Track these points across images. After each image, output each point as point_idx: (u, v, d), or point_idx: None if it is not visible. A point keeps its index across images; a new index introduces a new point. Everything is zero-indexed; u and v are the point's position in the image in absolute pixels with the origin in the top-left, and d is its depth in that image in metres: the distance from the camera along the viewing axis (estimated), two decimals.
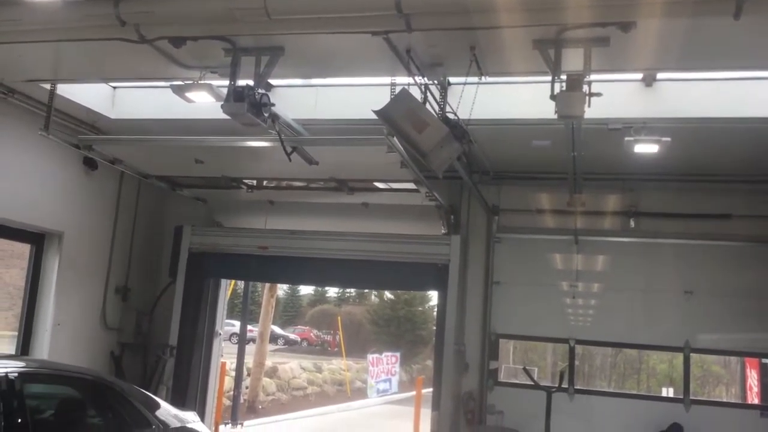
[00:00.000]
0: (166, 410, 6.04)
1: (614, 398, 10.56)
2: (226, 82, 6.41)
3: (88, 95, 9.02)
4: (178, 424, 5.98)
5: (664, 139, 7.62)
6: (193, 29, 5.90)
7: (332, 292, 48.74)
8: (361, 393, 25.21)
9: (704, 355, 12.93)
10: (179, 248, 10.86)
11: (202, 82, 6.85)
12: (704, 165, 9.08)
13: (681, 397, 9.48)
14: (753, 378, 12.60)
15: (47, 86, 8.28)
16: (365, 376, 25.44)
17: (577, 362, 10.42)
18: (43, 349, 9.45)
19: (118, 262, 10.82)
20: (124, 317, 10.91)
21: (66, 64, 7.53)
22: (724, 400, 18.94)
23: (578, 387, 9.88)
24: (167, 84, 7.45)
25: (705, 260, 9.52)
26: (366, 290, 41.72)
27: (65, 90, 8.54)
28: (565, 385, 9.20)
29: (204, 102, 7.17)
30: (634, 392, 17.64)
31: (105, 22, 5.84)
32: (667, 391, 11.87)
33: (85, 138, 9.14)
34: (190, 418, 6.33)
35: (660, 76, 7.54)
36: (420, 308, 39.90)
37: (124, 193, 10.81)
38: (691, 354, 9.53)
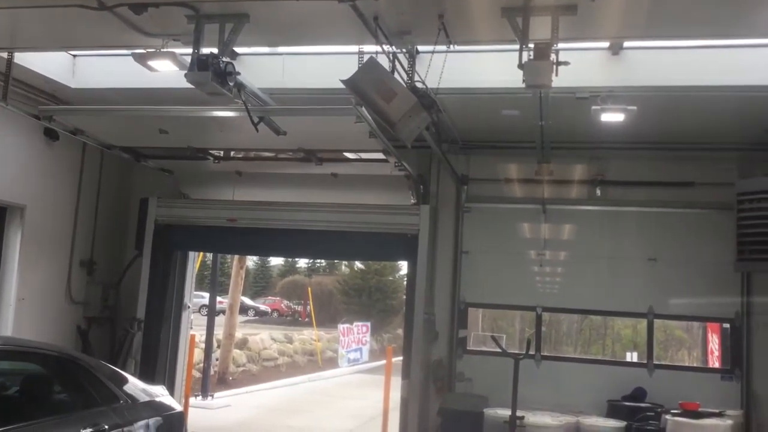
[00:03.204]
0: (134, 384, 5.98)
1: (580, 364, 10.76)
2: (190, 51, 6.27)
3: (48, 64, 8.75)
4: (147, 398, 5.94)
5: (630, 107, 7.69)
6: None
7: (302, 262, 48.81)
8: (332, 363, 25.39)
9: (667, 321, 13.21)
10: (145, 221, 10.71)
11: (164, 50, 6.70)
12: (669, 133, 9.19)
13: (645, 362, 9.70)
14: (714, 342, 12.92)
15: (4, 55, 8.01)
16: (336, 346, 25.61)
17: (544, 329, 10.57)
18: (7, 325, 9.30)
19: (83, 235, 10.65)
20: (89, 291, 10.78)
21: (24, 31, 7.30)
22: (687, 364, 19.44)
23: (545, 354, 10.05)
24: (129, 52, 7.27)
25: (668, 227, 9.69)
26: (336, 261, 41.75)
27: (23, 59, 8.27)
28: (532, 352, 9.35)
29: (167, 71, 7.01)
30: (600, 358, 17.99)
31: None
32: (632, 356, 12.10)
33: (45, 108, 8.90)
34: (159, 391, 6.29)
35: (626, 44, 7.56)
36: (390, 278, 40.15)
37: (87, 164, 10.59)
38: (655, 319, 9.73)
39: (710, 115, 8.37)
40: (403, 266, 26.36)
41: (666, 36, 6.88)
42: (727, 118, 8.42)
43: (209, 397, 15.56)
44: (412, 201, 10.28)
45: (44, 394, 5.28)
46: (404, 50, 6.83)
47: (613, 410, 9.17)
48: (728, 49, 7.44)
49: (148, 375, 9.70)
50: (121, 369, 7.17)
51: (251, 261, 42.43)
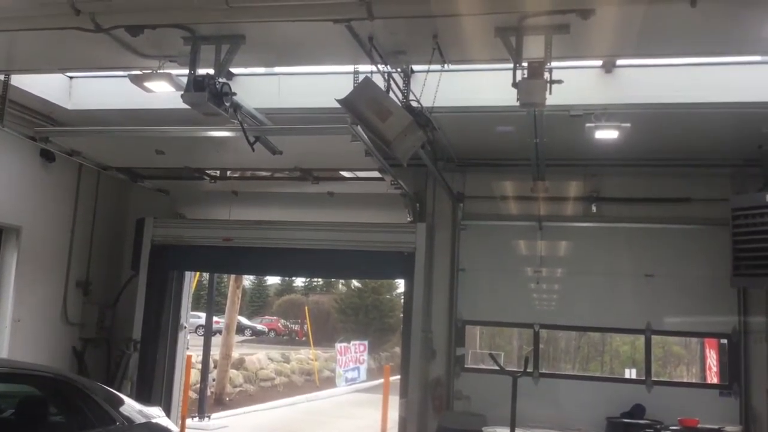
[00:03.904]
0: (131, 406, 5.95)
1: (578, 381, 10.71)
2: (186, 72, 6.31)
3: (44, 86, 8.79)
4: (143, 420, 5.90)
5: (624, 125, 7.74)
6: (151, 17, 5.80)
7: (299, 281, 48.62)
8: (329, 382, 25.24)
9: (665, 337, 13.20)
10: (141, 241, 10.71)
11: (161, 71, 6.73)
12: (663, 150, 9.23)
13: (643, 378, 9.67)
14: (712, 358, 12.90)
15: (1, 77, 8.07)
16: (333, 365, 25.45)
17: (542, 346, 10.55)
18: (3, 346, 9.24)
19: (79, 256, 10.62)
20: (85, 312, 10.73)
21: (20, 54, 7.32)
22: (685, 380, 19.39)
23: (543, 371, 10.02)
24: (125, 74, 7.31)
25: (665, 243, 9.70)
26: (333, 279, 41.66)
27: (20, 81, 8.33)
28: (530, 369, 9.32)
29: (163, 92, 7.05)
30: (598, 374, 17.95)
31: (59, 11, 5.72)
32: (630, 373, 12.10)
33: (42, 130, 8.92)
34: (155, 413, 6.25)
35: (619, 62, 7.63)
36: (387, 296, 40.05)
37: (83, 185, 10.59)
38: (652, 336, 9.72)
39: (704, 131, 8.42)
40: (400, 284, 26.34)
41: (658, 54, 6.94)
42: (720, 134, 8.46)
43: (206, 418, 15.43)
44: (409, 219, 10.29)
45: (40, 416, 5.24)
46: (399, 70, 6.88)
47: (612, 427, 9.12)
48: (721, 66, 7.52)
49: (144, 396, 9.64)
50: (118, 390, 7.12)
51: (248, 280, 42.35)
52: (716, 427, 8.52)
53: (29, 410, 5.20)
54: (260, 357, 24.40)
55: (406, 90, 6.93)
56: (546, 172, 9.39)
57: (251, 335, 38.37)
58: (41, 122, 9.31)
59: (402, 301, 11.53)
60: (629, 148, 8.82)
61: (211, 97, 6.10)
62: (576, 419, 9.36)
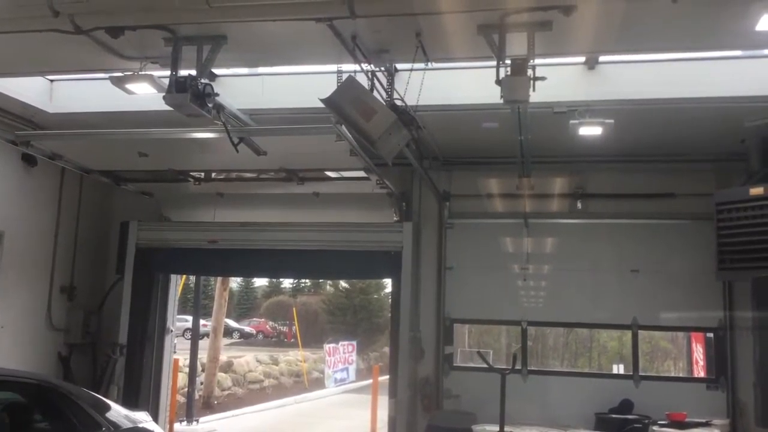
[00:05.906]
0: (117, 411, 5.90)
1: (567, 377, 10.76)
2: (168, 73, 6.25)
3: (24, 89, 8.69)
4: (130, 425, 5.85)
5: (607, 121, 7.77)
6: (131, 18, 5.75)
7: (287, 283, 48.39)
8: (318, 383, 25.18)
9: (652, 331, 13.25)
10: (126, 244, 10.64)
11: (142, 72, 6.68)
12: (647, 145, 9.28)
13: (631, 373, 9.71)
14: (699, 352, 12.96)
15: None
16: (322, 366, 25.41)
17: (530, 343, 10.57)
18: None
19: (63, 260, 10.52)
20: (70, 317, 10.64)
21: None
22: (672, 374, 19.49)
23: (532, 368, 10.04)
24: (107, 76, 7.25)
25: (650, 239, 9.75)
26: (320, 280, 41.57)
27: None
28: (518, 366, 9.32)
29: (145, 93, 7.00)
30: (586, 371, 18.01)
31: (37, 12, 5.65)
32: (618, 368, 12.13)
33: (23, 134, 8.83)
34: (142, 418, 6.20)
35: (602, 58, 7.66)
36: (375, 296, 39.98)
37: (66, 189, 10.49)
38: (639, 331, 9.76)
39: (687, 126, 8.47)
40: (388, 284, 26.35)
41: (640, 50, 6.96)
42: (703, 129, 8.52)
43: (194, 422, 15.35)
44: (395, 218, 10.28)
45: (25, 423, 5.19)
46: (383, 68, 6.87)
47: (600, 423, 9.15)
48: (703, 61, 7.56)
49: (131, 401, 9.57)
50: (104, 396, 7.07)
51: (235, 282, 42.10)
52: (704, 420, 8.56)
53: (14, 417, 5.13)
54: (248, 359, 24.28)
55: (390, 88, 6.92)
56: (531, 169, 9.40)
57: (239, 338, 38.21)
58: (22, 126, 9.20)
59: (390, 300, 11.51)
60: (613, 145, 8.86)
61: (193, 98, 6.07)
62: (565, 415, 9.37)
